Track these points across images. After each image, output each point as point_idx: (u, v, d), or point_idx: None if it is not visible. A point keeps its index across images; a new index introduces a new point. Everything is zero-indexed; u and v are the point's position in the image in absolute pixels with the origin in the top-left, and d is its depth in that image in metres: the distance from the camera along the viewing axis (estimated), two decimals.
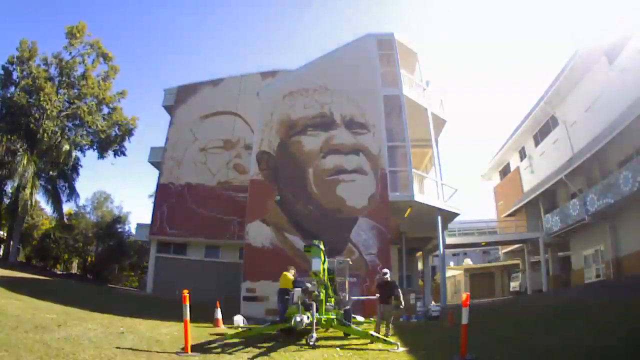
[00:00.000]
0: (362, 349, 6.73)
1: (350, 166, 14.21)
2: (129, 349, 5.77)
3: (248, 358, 5.94)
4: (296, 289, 7.93)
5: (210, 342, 6.99)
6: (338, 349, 6.73)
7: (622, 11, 16.08)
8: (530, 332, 7.28)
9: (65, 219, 28.22)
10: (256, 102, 16.30)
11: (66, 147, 23.41)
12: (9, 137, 22.68)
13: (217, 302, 10.11)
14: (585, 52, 17.83)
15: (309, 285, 7.96)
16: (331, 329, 8.23)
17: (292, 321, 7.22)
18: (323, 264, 8.16)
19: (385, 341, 6.90)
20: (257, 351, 6.45)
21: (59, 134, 24.03)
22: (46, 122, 23.06)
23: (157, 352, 5.84)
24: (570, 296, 12.79)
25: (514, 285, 24.95)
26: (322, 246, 8.26)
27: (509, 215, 25.74)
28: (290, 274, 9.09)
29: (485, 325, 8.63)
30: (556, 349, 5.61)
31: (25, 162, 21.02)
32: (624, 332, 5.83)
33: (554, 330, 7.24)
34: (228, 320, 10.04)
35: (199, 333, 7.69)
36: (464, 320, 5.55)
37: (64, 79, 24.39)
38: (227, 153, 21.12)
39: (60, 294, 12.50)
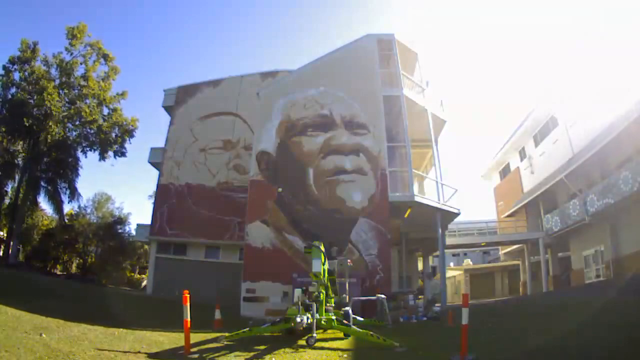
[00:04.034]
0: (361, 349, 6.71)
1: (350, 167, 14.20)
2: (128, 349, 5.77)
3: (247, 359, 5.93)
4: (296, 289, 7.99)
5: (209, 343, 6.98)
6: (339, 351, 6.72)
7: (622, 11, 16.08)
8: (530, 332, 7.27)
9: (65, 220, 28.20)
10: (256, 102, 16.30)
11: (67, 147, 23.40)
12: (9, 137, 22.67)
13: (217, 305, 10.11)
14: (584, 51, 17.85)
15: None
16: (331, 330, 8.21)
17: (292, 322, 7.21)
18: (323, 264, 8.17)
19: (385, 341, 6.89)
20: (256, 352, 6.44)
21: (59, 134, 24.01)
22: (47, 122, 23.06)
23: (157, 352, 5.84)
24: (571, 296, 12.78)
25: None
26: (322, 247, 8.27)
27: (509, 215, 25.74)
28: None
29: (485, 325, 8.62)
30: (556, 349, 5.60)
31: (25, 162, 21.02)
32: (625, 333, 5.83)
33: (554, 330, 7.23)
34: (229, 321, 10.02)
35: (198, 334, 7.67)
36: (464, 320, 5.55)
37: (64, 79, 24.38)
38: (227, 153, 21.15)
39: (61, 294, 12.52)
